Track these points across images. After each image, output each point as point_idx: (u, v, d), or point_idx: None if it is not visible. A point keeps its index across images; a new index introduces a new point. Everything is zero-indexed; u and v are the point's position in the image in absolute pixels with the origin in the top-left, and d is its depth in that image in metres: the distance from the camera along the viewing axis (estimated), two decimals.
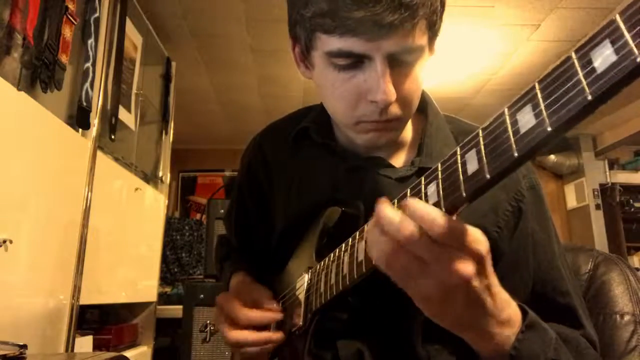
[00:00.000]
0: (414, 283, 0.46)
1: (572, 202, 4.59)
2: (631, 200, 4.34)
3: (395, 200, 0.53)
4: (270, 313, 0.77)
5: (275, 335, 0.76)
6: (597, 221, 4.33)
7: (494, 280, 0.49)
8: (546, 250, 0.71)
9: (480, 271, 0.46)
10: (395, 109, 0.66)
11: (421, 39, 0.63)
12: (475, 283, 0.46)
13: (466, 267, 0.44)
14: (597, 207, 4.36)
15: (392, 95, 0.63)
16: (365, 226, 0.57)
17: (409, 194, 0.51)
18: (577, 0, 2.49)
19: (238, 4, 2.48)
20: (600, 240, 4.26)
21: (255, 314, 0.77)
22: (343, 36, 0.61)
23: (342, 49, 0.63)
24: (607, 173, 4.43)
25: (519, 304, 0.55)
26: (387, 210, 0.46)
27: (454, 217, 0.45)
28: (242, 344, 0.77)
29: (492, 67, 3.22)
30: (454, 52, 3.02)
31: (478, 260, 0.46)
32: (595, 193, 4.38)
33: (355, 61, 0.64)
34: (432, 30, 0.65)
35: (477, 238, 0.46)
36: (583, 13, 2.60)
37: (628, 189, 4.38)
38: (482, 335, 0.51)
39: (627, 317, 0.83)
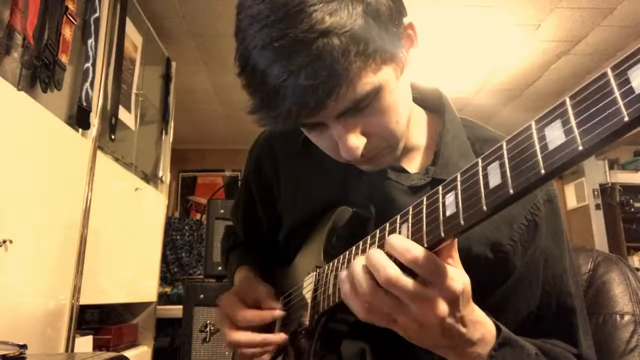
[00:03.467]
0: (394, 323, 0.51)
1: (572, 202, 4.59)
2: (631, 200, 4.33)
3: (410, 208, 0.52)
4: (269, 312, 0.77)
5: (274, 337, 0.75)
6: (597, 221, 4.32)
7: (468, 309, 0.52)
8: (557, 265, 0.70)
9: (454, 308, 0.50)
10: (373, 147, 0.63)
11: (365, 84, 0.56)
12: (449, 320, 0.50)
13: (440, 309, 0.48)
14: (597, 207, 4.35)
15: (356, 149, 0.60)
16: (378, 231, 0.56)
17: (425, 202, 0.50)
18: (577, 0, 2.49)
19: None
20: (600, 240, 4.25)
21: (253, 314, 0.77)
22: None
23: (297, 123, 0.62)
24: (607, 173, 4.42)
25: (494, 321, 0.57)
26: (374, 253, 0.50)
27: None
28: (239, 345, 0.77)
29: (491, 67, 3.22)
30: (453, 52, 3.02)
31: (452, 299, 0.49)
32: (595, 193, 4.37)
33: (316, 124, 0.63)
34: (379, 57, 0.56)
35: (453, 276, 0.48)
36: (583, 13, 2.60)
37: (628, 189, 4.37)
38: (456, 354, 0.55)
39: (627, 317, 0.83)
